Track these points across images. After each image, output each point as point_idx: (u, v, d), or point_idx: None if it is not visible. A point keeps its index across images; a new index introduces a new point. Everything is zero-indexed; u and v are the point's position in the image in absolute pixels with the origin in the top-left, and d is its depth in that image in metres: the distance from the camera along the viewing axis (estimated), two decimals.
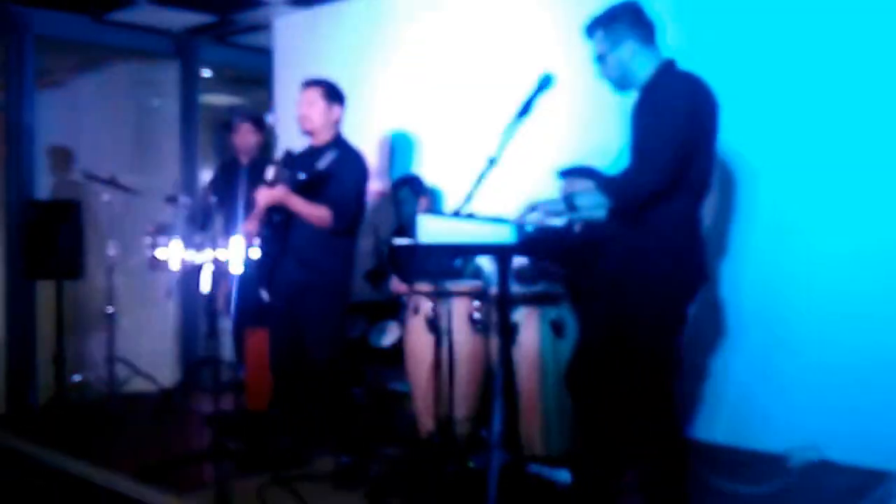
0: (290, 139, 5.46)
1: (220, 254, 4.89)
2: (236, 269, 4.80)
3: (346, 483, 4.47)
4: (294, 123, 4.95)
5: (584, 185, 4.17)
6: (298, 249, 4.77)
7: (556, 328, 4.59)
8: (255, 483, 4.36)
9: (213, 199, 5.96)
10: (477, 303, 4.86)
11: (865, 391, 4.19)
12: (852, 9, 4.34)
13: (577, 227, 3.69)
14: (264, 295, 4.83)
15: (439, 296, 4.74)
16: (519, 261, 4.96)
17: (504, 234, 3.33)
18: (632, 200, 3.44)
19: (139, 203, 6.79)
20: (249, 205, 4.96)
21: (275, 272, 4.82)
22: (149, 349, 7.20)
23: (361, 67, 6.42)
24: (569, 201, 3.49)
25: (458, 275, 5.30)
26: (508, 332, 3.62)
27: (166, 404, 6.49)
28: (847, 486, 4.11)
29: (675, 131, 3.35)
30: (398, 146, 6.30)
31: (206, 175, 7.80)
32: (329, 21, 6.79)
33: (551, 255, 4.42)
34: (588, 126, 5.13)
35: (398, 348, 5.25)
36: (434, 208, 5.71)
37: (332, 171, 4.67)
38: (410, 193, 5.59)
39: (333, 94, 4.89)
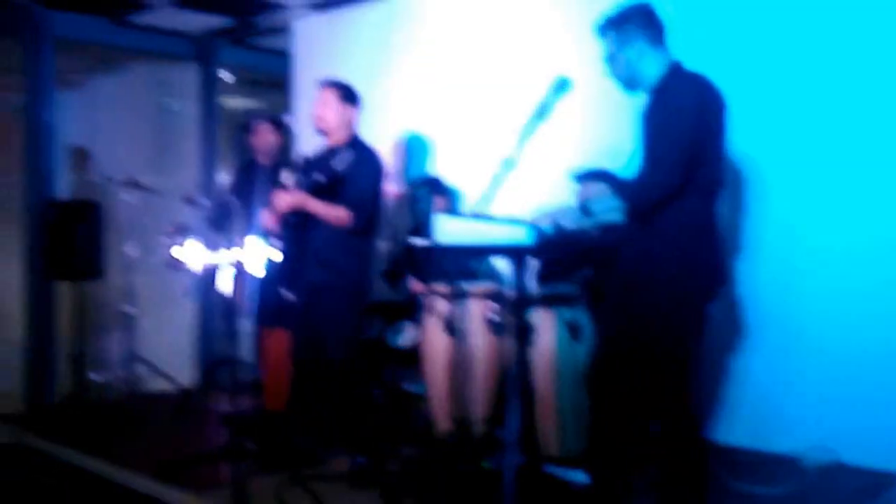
0: (309, 140, 5.48)
1: (239, 254, 4.93)
2: (255, 269, 4.84)
3: (363, 483, 4.48)
4: (312, 125, 5.00)
5: (599, 188, 4.18)
6: (317, 250, 4.82)
7: (572, 330, 4.59)
8: (273, 482, 4.38)
9: (233, 200, 5.99)
10: (493, 304, 4.87)
11: (881, 393, 4.18)
12: (862, 8, 4.35)
13: (593, 230, 3.71)
14: (287, 294, 4.86)
15: (455, 297, 4.76)
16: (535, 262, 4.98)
17: (520, 236, 3.35)
18: (645, 203, 3.46)
19: (158, 204, 6.82)
20: (269, 206, 4.99)
21: (294, 272, 4.86)
22: (168, 349, 7.23)
23: (379, 70, 6.45)
24: (584, 208, 3.53)
25: (474, 276, 5.31)
26: (524, 334, 3.61)
27: (185, 404, 6.51)
28: (862, 488, 4.11)
29: (684, 133, 3.38)
30: (414, 148, 6.32)
31: (224, 177, 7.83)
32: (347, 24, 6.82)
33: (568, 257, 4.43)
34: (603, 128, 5.14)
35: (415, 349, 5.26)
36: (452, 209, 5.72)
37: (348, 171, 4.71)
38: (428, 193, 5.60)
39: (348, 96, 4.95)
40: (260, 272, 4.90)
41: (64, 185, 7.32)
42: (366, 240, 4.94)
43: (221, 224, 6.01)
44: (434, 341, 4.90)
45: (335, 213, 4.74)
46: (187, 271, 5.79)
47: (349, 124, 4.96)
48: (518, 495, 3.52)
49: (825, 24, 4.46)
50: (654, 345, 3.51)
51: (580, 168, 4.69)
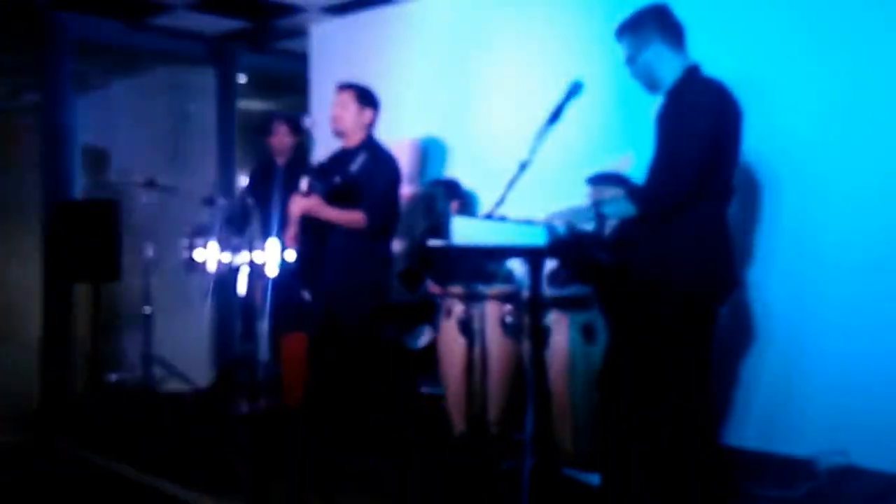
0: (326, 142, 5.51)
1: (257, 256, 4.95)
2: (272, 271, 4.86)
3: (379, 484, 4.49)
4: (329, 127, 5.02)
5: (613, 191, 4.21)
6: (335, 252, 4.85)
7: (587, 332, 4.59)
8: (289, 483, 4.41)
9: (250, 201, 6.01)
10: (508, 306, 4.89)
11: (893, 396, 4.18)
12: (880, 15, 4.35)
13: (607, 232, 3.73)
14: (306, 295, 4.90)
15: (471, 299, 4.78)
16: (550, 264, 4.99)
17: (536, 237, 3.37)
18: (658, 208, 3.48)
19: (176, 205, 6.86)
20: (286, 207, 5.01)
21: (313, 274, 4.89)
22: (184, 350, 7.24)
23: (394, 73, 6.47)
24: (597, 209, 3.55)
25: (489, 278, 5.32)
26: (540, 336, 3.64)
27: (201, 404, 6.52)
28: (874, 491, 4.12)
29: (701, 140, 3.40)
30: (430, 151, 6.35)
31: (241, 178, 7.86)
32: (363, 27, 6.86)
33: (582, 259, 4.44)
34: (617, 132, 5.15)
35: (431, 350, 5.28)
36: (467, 211, 5.73)
37: (364, 173, 4.74)
38: (444, 194, 5.63)
39: (366, 98, 4.97)
40: (276, 273, 4.93)
41: (82, 187, 7.34)
42: (383, 242, 4.97)
43: (239, 225, 6.04)
44: (450, 343, 4.92)
45: (348, 217, 4.77)
46: (205, 272, 5.81)
47: (366, 126, 4.98)
48: (535, 496, 3.54)
49: (845, 27, 4.47)
50: (668, 346, 3.52)
51: (594, 171, 4.74)
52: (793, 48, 4.62)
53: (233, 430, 5.58)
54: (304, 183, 4.83)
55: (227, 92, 7.96)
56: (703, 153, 3.39)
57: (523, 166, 3.59)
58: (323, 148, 5.69)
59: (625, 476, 3.75)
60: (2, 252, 7.01)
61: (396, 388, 5.44)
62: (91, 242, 6.42)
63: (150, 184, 6.58)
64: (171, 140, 8.04)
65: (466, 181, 5.84)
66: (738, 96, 3.56)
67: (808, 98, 4.56)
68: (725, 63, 4.02)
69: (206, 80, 7.94)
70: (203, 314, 7.60)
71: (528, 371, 3.80)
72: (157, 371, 6.74)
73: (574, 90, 3.71)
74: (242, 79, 8.34)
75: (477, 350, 4.56)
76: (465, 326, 4.72)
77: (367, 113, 4.98)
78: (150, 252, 6.59)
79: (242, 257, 5.12)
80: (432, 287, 5.43)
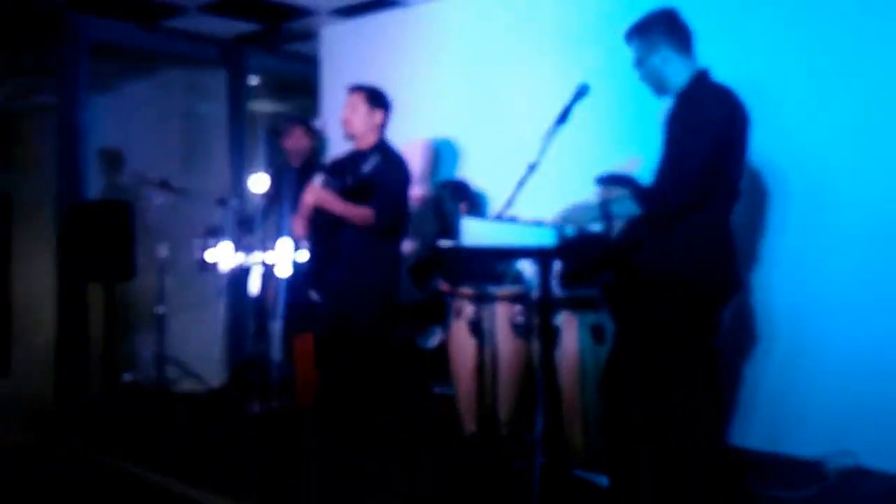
0: (339, 144, 5.54)
1: (270, 256, 4.98)
2: (284, 271, 4.89)
3: (389, 484, 4.49)
4: (340, 129, 5.05)
5: (621, 192, 4.22)
6: (345, 251, 4.86)
7: (596, 333, 4.61)
8: (301, 482, 4.44)
9: (263, 202, 6.03)
10: (518, 307, 4.90)
11: None
12: (887, 22, 4.37)
13: (615, 232, 3.75)
14: (314, 295, 4.92)
15: (481, 299, 4.80)
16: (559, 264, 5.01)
17: (545, 238, 3.39)
18: (664, 210, 3.50)
19: (189, 206, 6.89)
20: (297, 212, 5.03)
21: (323, 274, 4.91)
22: (198, 349, 7.27)
23: (404, 75, 6.50)
24: (605, 208, 3.57)
25: (499, 279, 5.34)
26: (550, 336, 3.66)
27: (215, 404, 6.53)
28: (882, 492, 4.13)
29: (708, 144, 3.43)
30: (441, 152, 6.37)
31: (251, 179, 7.90)
32: (374, 30, 6.89)
33: (590, 260, 4.46)
34: (624, 133, 5.18)
35: (442, 351, 5.30)
36: (476, 213, 5.75)
37: (376, 174, 4.76)
38: (451, 195, 5.66)
39: (376, 99, 4.97)
40: (288, 274, 4.96)
41: (96, 188, 7.39)
42: (392, 242, 4.98)
43: (252, 226, 6.06)
44: (461, 343, 4.94)
45: (357, 212, 4.78)
46: (218, 272, 5.85)
47: (377, 128, 4.98)
48: (544, 496, 3.56)
49: (850, 38, 4.49)
50: (670, 348, 3.55)
51: (603, 172, 4.75)
52: (799, 53, 4.65)
53: (246, 430, 5.60)
54: (318, 178, 4.86)
55: (238, 94, 7.99)
56: (709, 157, 3.42)
57: (532, 168, 3.62)
58: (336, 150, 5.72)
59: (632, 477, 3.76)
60: (17, 253, 7.04)
61: (406, 388, 5.46)
62: (105, 243, 6.45)
63: (164, 185, 6.62)
64: (183, 141, 8.08)
65: (478, 182, 5.87)
66: (745, 101, 3.58)
67: (815, 103, 4.59)
68: (733, 68, 4.04)
69: (218, 81, 7.98)
70: (216, 314, 7.63)
71: (538, 371, 3.82)
72: (171, 371, 6.77)
73: (581, 92, 3.75)
74: (254, 81, 8.38)
75: (487, 350, 4.59)
76: (476, 327, 4.74)
77: (378, 114, 4.98)
78: (163, 252, 6.62)
79: (255, 257, 5.17)
80: (441, 285, 5.45)
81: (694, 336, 3.56)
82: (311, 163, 6.14)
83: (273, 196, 5.99)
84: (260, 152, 8.42)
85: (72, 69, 6.90)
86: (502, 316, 4.86)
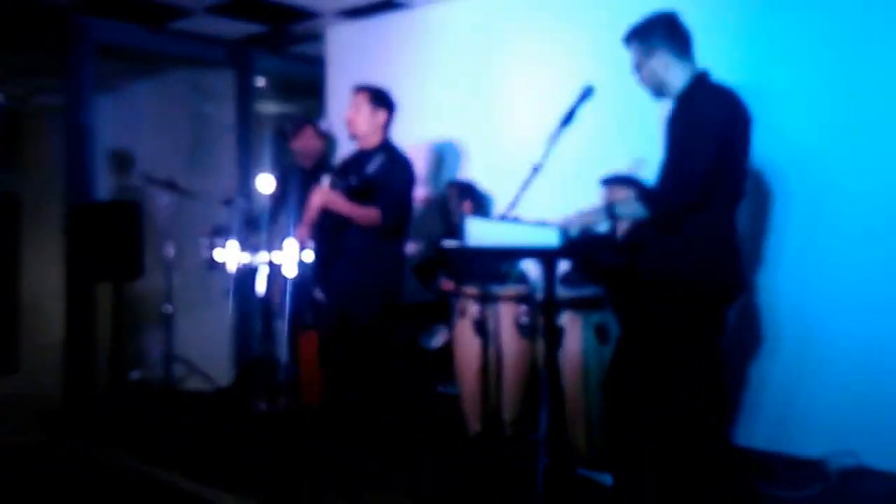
0: (345, 145, 5.56)
1: (276, 256, 5.00)
2: (290, 271, 4.92)
3: (394, 483, 4.50)
4: (346, 130, 5.06)
5: (625, 193, 4.26)
6: (350, 251, 4.87)
7: (601, 333, 4.62)
8: (307, 481, 4.45)
9: (270, 203, 6.04)
10: (523, 307, 4.92)
11: None
12: (889, 23, 4.39)
13: (619, 233, 3.77)
14: (318, 295, 4.93)
15: (486, 299, 4.82)
16: (564, 265, 5.03)
17: (549, 238, 3.41)
18: (668, 211, 3.52)
19: (196, 206, 6.91)
20: (302, 214, 5.05)
21: (327, 273, 4.93)
22: (205, 348, 7.28)
23: (410, 77, 6.53)
24: (610, 210, 3.60)
25: (504, 279, 5.36)
26: (554, 336, 3.67)
27: (222, 403, 6.53)
28: (884, 492, 4.14)
29: (710, 145, 3.43)
30: (446, 153, 6.40)
31: (257, 179, 7.91)
32: (379, 32, 6.91)
33: (595, 260, 4.48)
34: (628, 134, 5.20)
35: (447, 351, 5.33)
36: (481, 213, 5.77)
37: (381, 174, 4.77)
38: (456, 195, 5.69)
39: (379, 99, 4.96)
40: (294, 273, 4.98)
41: (104, 188, 7.41)
42: (396, 242, 4.99)
43: (258, 226, 6.08)
44: (465, 343, 4.95)
45: (362, 212, 4.79)
46: (225, 272, 5.86)
47: (381, 128, 4.97)
48: (548, 496, 3.57)
49: (852, 39, 4.51)
50: (671, 347, 3.56)
51: (608, 173, 4.78)
52: (801, 54, 4.66)
53: (253, 428, 5.62)
54: (326, 180, 4.89)
55: (245, 95, 8.02)
56: (711, 158, 3.42)
57: (536, 169, 3.65)
58: (345, 150, 5.74)
59: (636, 476, 3.77)
60: (25, 253, 7.07)
61: (410, 388, 5.47)
62: (113, 243, 6.47)
63: (171, 185, 6.65)
64: (190, 141, 8.11)
65: (483, 183, 5.89)
66: (747, 102, 3.59)
67: (817, 104, 4.60)
68: (734, 69, 4.06)
69: (224, 82, 8.00)
70: (224, 313, 7.65)
71: (543, 371, 3.83)
72: (178, 370, 6.78)
73: (586, 94, 3.77)
74: (260, 82, 8.40)
75: (491, 350, 4.60)
76: (480, 327, 4.77)
77: (381, 114, 4.96)
78: (171, 252, 6.64)
79: (262, 257, 5.19)
80: (445, 283, 5.47)
81: (697, 336, 3.57)
82: (323, 164, 6.15)
83: (279, 197, 6.01)
84: (266, 153, 8.47)
85: (79, 70, 6.92)
86: (506, 316, 4.87)
